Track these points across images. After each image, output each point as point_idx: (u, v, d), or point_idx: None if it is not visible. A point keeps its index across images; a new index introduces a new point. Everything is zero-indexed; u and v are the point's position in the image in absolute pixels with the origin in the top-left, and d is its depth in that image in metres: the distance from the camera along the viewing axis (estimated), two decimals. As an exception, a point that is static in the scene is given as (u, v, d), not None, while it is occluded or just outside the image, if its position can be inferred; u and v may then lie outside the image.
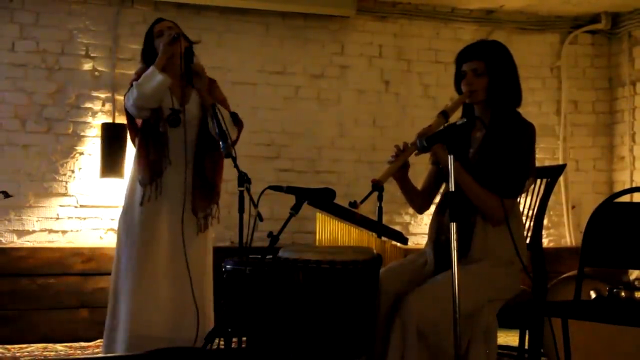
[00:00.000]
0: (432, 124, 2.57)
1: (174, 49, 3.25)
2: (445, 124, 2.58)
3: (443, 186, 2.88)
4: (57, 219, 4.71)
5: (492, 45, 2.75)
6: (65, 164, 4.74)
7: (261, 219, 2.96)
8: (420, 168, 2.98)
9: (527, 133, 2.65)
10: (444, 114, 2.59)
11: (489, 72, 2.66)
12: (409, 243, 3.60)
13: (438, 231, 2.73)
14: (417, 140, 2.49)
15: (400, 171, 2.71)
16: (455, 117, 2.70)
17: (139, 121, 3.36)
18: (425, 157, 2.82)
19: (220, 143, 3.08)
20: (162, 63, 3.23)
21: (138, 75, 3.31)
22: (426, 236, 2.91)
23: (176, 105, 3.30)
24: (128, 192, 3.39)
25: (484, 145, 2.68)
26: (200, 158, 3.34)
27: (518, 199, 2.74)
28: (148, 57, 3.36)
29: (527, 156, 2.65)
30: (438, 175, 2.86)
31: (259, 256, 2.89)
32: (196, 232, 3.33)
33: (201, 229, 3.34)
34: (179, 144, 3.29)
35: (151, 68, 3.23)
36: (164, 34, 3.31)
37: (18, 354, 4.15)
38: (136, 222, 3.30)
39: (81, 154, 4.77)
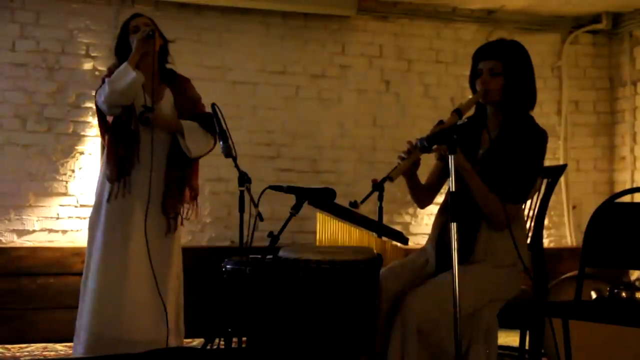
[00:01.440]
0: (446, 122, 2.52)
1: (148, 46, 3.20)
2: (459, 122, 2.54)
3: (447, 183, 2.85)
4: (58, 218, 4.70)
5: (511, 45, 2.69)
6: (65, 164, 4.73)
7: (261, 219, 2.96)
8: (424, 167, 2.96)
9: (539, 141, 2.61)
10: (458, 112, 2.53)
11: (505, 73, 2.61)
12: (409, 243, 3.58)
13: (441, 231, 2.71)
14: (418, 140, 2.47)
15: (410, 168, 2.66)
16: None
17: (109, 118, 3.29)
18: (432, 154, 2.78)
19: (221, 143, 3.07)
20: (135, 60, 3.18)
21: (110, 71, 3.25)
22: (426, 236, 2.91)
23: (149, 104, 3.24)
24: (97, 189, 3.33)
25: (493, 147, 2.65)
26: (173, 157, 3.30)
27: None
28: (122, 52, 3.30)
29: (536, 164, 2.62)
30: (443, 171, 2.83)
31: (259, 256, 2.89)
32: (164, 232, 3.29)
33: (170, 229, 3.30)
34: (151, 142, 3.23)
35: (124, 64, 3.16)
36: (140, 30, 3.24)
37: (18, 354, 4.15)
38: (103, 220, 3.25)
39: (81, 153, 4.76)
